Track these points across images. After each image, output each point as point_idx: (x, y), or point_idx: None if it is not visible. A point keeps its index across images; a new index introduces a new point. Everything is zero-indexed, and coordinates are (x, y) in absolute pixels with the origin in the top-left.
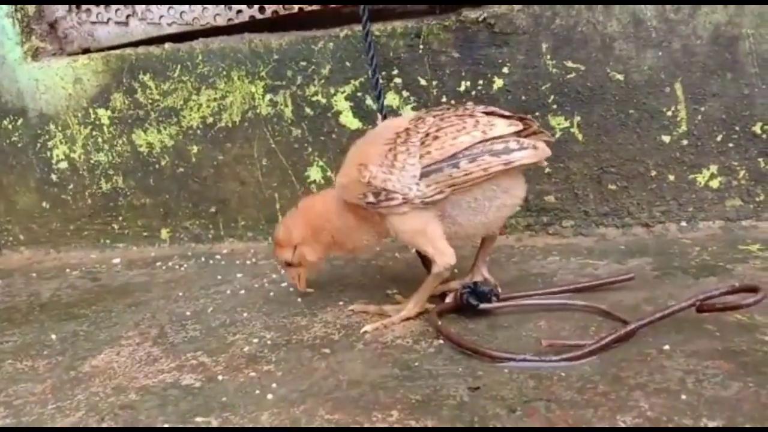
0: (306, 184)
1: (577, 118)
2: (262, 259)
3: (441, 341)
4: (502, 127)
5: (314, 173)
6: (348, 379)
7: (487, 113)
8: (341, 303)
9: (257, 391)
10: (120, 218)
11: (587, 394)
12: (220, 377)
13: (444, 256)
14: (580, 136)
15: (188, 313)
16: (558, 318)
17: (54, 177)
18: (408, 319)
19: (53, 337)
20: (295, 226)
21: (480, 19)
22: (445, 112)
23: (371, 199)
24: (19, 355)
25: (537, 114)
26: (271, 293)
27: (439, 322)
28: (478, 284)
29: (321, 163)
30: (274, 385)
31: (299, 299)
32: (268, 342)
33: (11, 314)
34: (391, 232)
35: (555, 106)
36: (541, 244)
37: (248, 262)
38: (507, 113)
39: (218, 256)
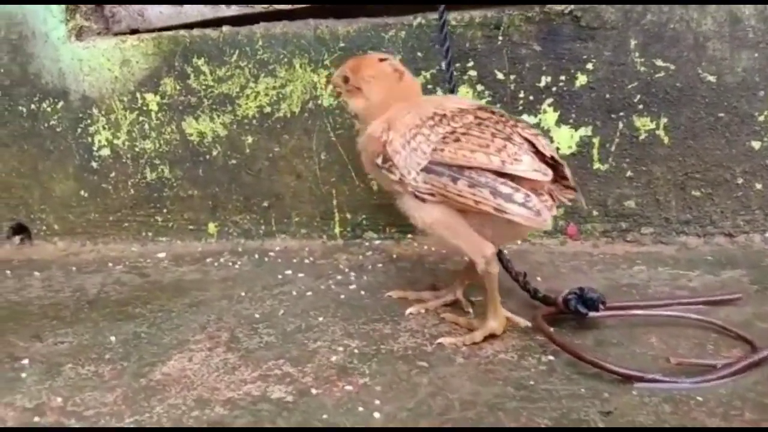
0: (366, 180)
1: (664, 120)
2: (320, 258)
3: (551, 357)
4: (527, 167)
5: None
6: (459, 399)
7: (528, 140)
8: (423, 310)
9: (360, 408)
10: (164, 210)
11: (734, 422)
12: (313, 391)
13: (480, 250)
14: (665, 139)
15: (257, 316)
16: (669, 333)
17: (94, 164)
18: (493, 336)
19: (112, 339)
20: (380, 81)
21: (566, 12)
22: (491, 117)
23: (379, 160)
24: (79, 358)
25: (621, 114)
26: (342, 296)
27: (551, 331)
28: (585, 290)
29: None
30: (377, 401)
31: (374, 303)
32: (355, 351)
33: (59, 311)
34: (410, 218)
35: (641, 107)
36: (621, 252)
37: (306, 261)
38: (547, 149)
39: (272, 254)
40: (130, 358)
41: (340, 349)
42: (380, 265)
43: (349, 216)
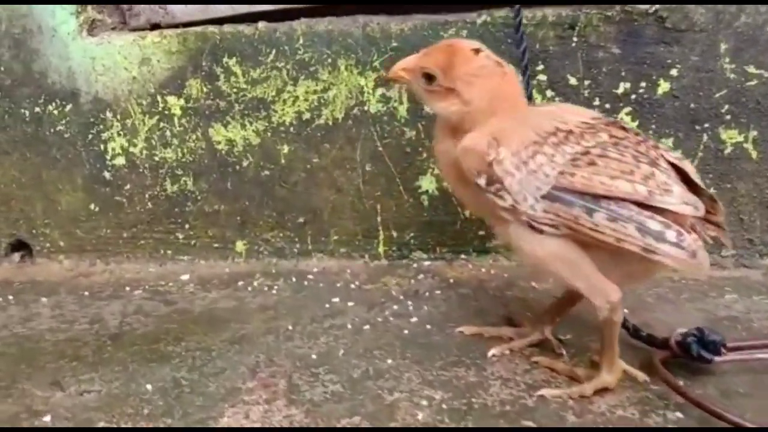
0: (416, 195)
1: (753, 133)
2: (366, 281)
3: (678, 414)
4: (677, 199)
5: (426, 183)
6: None
7: (674, 166)
8: (507, 351)
9: None
10: (186, 226)
11: None
12: None
13: (602, 292)
14: (754, 154)
15: (314, 357)
16: None
17: (107, 174)
18: (605, 389)
19: (148, 387)
20: (482, 81)
21: (650, 11)
22: (628, 137)
23: (482, 181)
24: (113, 413)
25: (706, 125)
26: (405, 331)
27: (680, 385)
28: (706, 331)
29: (436, 172)
30: None
31: (444, 341)
32: (443, 407)
33: (78, 349)
34: (516, 249)
35: (728, 117)
36: (703, 277)
37: (352, 285)
38: (697, 179)
39: (310, 276)
40: (173, 413)
41: (424, 402)
42: (438, 291)
43: (395, 234)
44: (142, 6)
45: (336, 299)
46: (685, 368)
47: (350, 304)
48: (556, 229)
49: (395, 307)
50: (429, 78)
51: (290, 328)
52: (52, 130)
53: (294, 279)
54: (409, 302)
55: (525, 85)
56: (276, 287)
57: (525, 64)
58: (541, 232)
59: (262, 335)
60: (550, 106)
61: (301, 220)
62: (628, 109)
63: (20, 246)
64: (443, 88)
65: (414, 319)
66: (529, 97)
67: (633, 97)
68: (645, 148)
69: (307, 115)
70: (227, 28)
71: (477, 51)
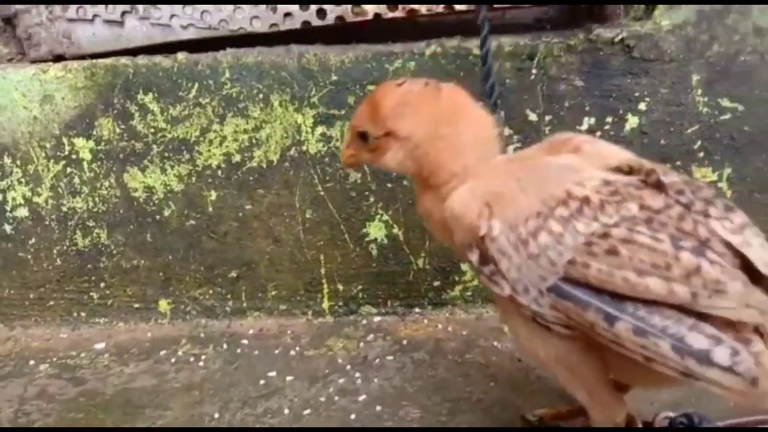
0: (363, 243)
1: (728, 171)
2: (309, 346)
3: None
4: (734, 302)
5: (374, 230)
6: None
7: (727, 244)
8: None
9: None
10: (102, 284)
11: None
12: None
13: (606, 410)
14: (728, 193)
15: None
16: None
17: (8, 228)
18: None
19: None
20: (414, 108)
21: (616, 40)
22: (669, 206)
23: (473, 257)
24: None
25: (678, 163)
26: (352, 416)
27: None
28: (694, 418)
29: (385, 218)
30: None
31: (396, 425)
32: None
33: None
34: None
35: (701, 154)
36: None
37: (292, 352)
38: (764, 263)
39: (244, 341)
40: None
41: None
42: (389, 357)
43: (341, 287)
44: (44, 34)
45: (272, 373)
46: None
47: (289, 378)
48: (567, 329)
49: (341, 380)
50: (364, 137)
51: (216, 416)
52: None
53: (225, 345)
54: (357, 374)
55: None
56: (203, 357)
57: (494, 101)
58: (547, 328)
59: (183, 424)
60: (561, 139)
61: (233, 274)
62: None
63: None
64: (380, 137)
65: (363, 397)
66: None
67: (598, 133)
68: (691, 224)
69: (237, 158)
70: (141, 59)
71: (401, 84)
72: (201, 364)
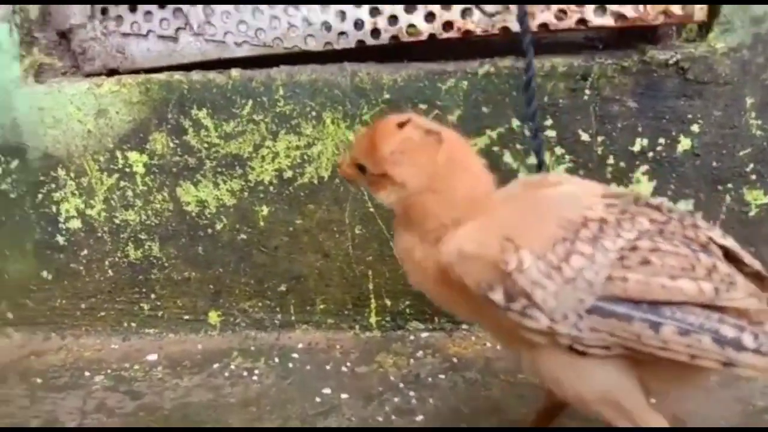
0: None
1: None
2: (359, 362)
3: None
4: (743, 293)
5: None
6: None
7: (722, 247)
8: None
9: None
10: (153, 296)
11: None
12: None
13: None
14: None
15: None
16: None
17: (61, 239)
18: None
19: None
20: (411, 158)
21: (671, 62)
22: (671, 219)
23: (499, 297)
24: None
25: (730, 185)
26: None
27: None
28: None
29: None
30: None
31: None
32: None
33: None
34: (550, 382)
35: (754, 177)
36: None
37: (344, 368)
38: (751, 259)
39: (295, 355)
40: None
41: None
42: (441, 376)
43: (388, 302)
44: (98, 48)
45: (327, 390)
46: None
47: (344, 396)
48: (606, 350)
49: (396, 399)
50: (362, 169)
51: None
52: None
53: (277, 359)
54: (411, 392)
55: (537, 149)
56: (256, 371)
57: (535, 129)
58: (583, 354)
59: None
60: (540, 180)
61: (282, 288)
62: (644, 167)
63: None
64: (376, 175)
65: (420, 417)
66: (539, 165)
67: (650, 154)
68: (693, 232)
69: (288, 173)
70: (196, 75)
71: (402, 124)
72: (255, 378)
